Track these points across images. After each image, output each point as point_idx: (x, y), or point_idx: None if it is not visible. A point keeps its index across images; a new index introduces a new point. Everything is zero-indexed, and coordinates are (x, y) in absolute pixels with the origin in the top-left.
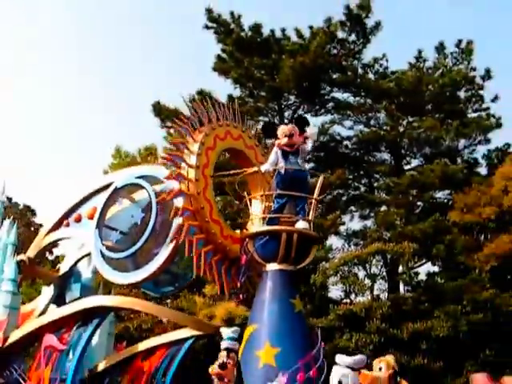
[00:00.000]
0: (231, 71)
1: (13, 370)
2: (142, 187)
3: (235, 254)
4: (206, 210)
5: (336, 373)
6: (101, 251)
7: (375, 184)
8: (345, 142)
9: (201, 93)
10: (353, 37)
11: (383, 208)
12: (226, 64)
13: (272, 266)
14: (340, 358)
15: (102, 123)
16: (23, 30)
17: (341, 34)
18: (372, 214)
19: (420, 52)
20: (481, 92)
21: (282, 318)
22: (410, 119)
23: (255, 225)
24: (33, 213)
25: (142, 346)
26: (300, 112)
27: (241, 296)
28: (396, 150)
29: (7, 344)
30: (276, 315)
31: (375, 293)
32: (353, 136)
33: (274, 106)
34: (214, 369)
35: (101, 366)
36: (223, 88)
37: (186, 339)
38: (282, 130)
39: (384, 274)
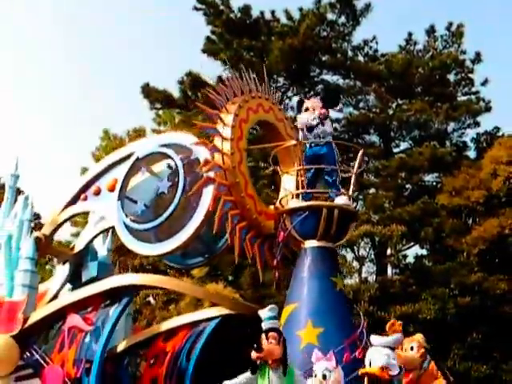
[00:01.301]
0: (220, 53)
1: (33, 352)
2: (167, 156)
3: (269, 230)
4: (241, 184)
5: (379, 353)
6: (125, 223)
7: (364, 166)
8: (334, 125)
9: (190, 74)
10: (342, 19)
11: (372, 190)
12: (216, 46)
13: (311, 243)
14: (378, 339)
15: (90, 107)
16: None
17: (330, 16)
18: (360, 197)
19: (410, 35)
20: (471, 75)
21: (324, 296)
22: (400, 102)
23: (290, 201)
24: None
25: (164, 325)
26: (289, 94)
27: (277, 274)
28: (385, 132)
29: (27, 325)
30: (317, 294)
31: (363, 275)
32: (342, 118)
33: (263, 88)
34: (252, 353)
35: (119, 347)
36: (213, 69)
37: (211, 319)
38: (307, 103)
39: (372, 256)
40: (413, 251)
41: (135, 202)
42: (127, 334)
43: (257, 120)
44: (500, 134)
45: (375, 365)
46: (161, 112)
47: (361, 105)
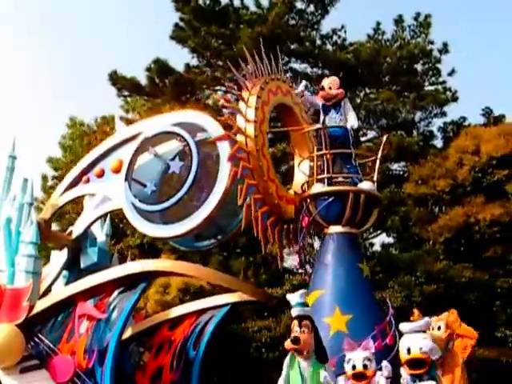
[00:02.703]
0: (189, 40)
1: (39, 341)
2: (178, 135)
3: (290, 215)
4: (264, 168)
5: (416, 339)
6: (134, 205)
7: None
8: None
9: (157, 61)
10: (311, 7)
11: (340, 179)
12: (184, 33)
13: (335, 229)
14: (409, 325)
15: (56, 95)
16: None
17: (299, 5)
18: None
19: (378, 24)
20: (438, 65)
21: (351, 283)
22: (367, 91)
23: (314, 185)
24: None
25: (169, 313)
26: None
27: (298, 260)
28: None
29: (33, 313)
30: (344, 280)
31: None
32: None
33: (232, 76)
34: (288, 344)
35: (122, 336)
36: (181, 57)
37: (219, 306)
38: (322, 82)
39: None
40: (379, 239)
41: (141, 183)
42: (130, 324)
43: (276, 102)
44: (466, 123)
45: (414, 350)
46: (129, 99)
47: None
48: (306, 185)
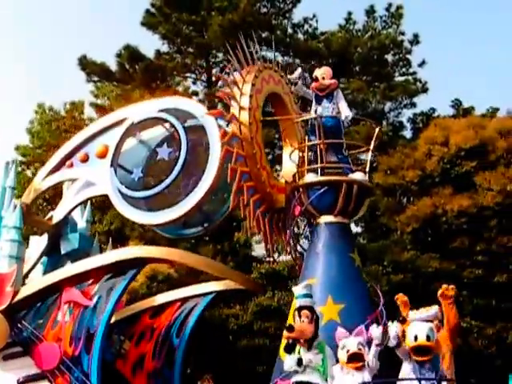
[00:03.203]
0: (159, 26)
1: (23, 328)
2: (166, 121)
3: (280, 204)
4: (257, 155)
5: (423, 327)
6: (120, 191)
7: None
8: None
9: (128, 48)
10: None
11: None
12: (155, 19)
13: (327, 219)
14: (418, 314)
15: (24, 80)
16: None
17: None
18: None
19: (350, 14)
20: (408, 56)
21: (344, 272)
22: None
23: (307, 175)
24: None
25: (151, 301)
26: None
27: (288, 249)
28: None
29: (17, 299)
30: (337, 269)
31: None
32: None
33: (202, 62)
34: (284, 333)
35: None
36: (151, 43)
37: (204, 294)
38: (314, 72)
39: (307, 233)
40: None
41: (126, 169)
42: None
43: (268, 91)
44: (436, 115)
45: (421, 337)
46: (98, 85)
47: (299, 82)
48: (297, 174)
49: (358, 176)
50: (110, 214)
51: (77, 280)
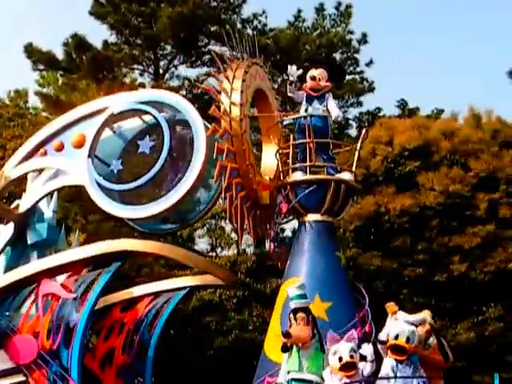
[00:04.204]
0: (108, 16)
1: None
2: (146, 113)
3: (264, 201)
4: (246, 152)
5: (405, 328)
6: (98, 182)
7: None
8: None
9: (75, 36)
10: None
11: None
12: (104, 9)
13: (313, 217)
14: (406, 316)
15: None
16: None
17: None
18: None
19: (299, 11)
20: (356, 55)
21: (330, 271)
22: (285, 77)
23: (294, 173)
24: None
25: (122, 295)
26: (175, 62)
27: (273, 246)
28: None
29: None
30: (324, 268)
31: (241, 247)
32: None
33: (150, 54)
34: (282, 339)
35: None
36: (99, 33)
37: (178, 289)
38: (310, 72)
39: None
40: (291, 225)
41: (102, 161)
42: None
43: (255, 87)
44: (381, 114)
45: (402, 338)
46: (44, 74)
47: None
48: (283, 172)
49: (345, 176)
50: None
51: (56, 272)
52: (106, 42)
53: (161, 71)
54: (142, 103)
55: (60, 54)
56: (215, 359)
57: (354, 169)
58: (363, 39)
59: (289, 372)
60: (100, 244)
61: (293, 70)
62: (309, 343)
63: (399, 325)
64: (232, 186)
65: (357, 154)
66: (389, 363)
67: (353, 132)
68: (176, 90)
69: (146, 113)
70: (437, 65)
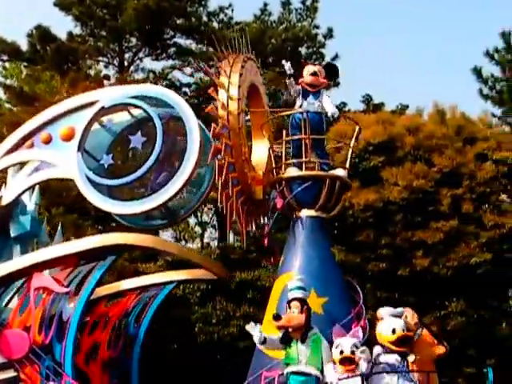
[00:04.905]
0: (73, 8)
1: None
2: (138, 107)
3: (257, 196)
4: (242, 146)
5: (399, 321)
6: (87, 177)
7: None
8: (184, 89)
9: (39, 28)
10: None
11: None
12: (68, 0)
13: (308, 213)
14: (389, 310)
15: None
16: None
17: None
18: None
19: (266, 5)
20: (322, 50)
21: (326, 266)
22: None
23: (289, 169)
24: None
25: (108, 289)
26: (141, 55)
27: (266, 241)
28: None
29: None
30: (319, 263)
31: (205, 240)
32: (192, 83)
33: (115, 47)
34: (274, 323)
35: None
36: (64, 25)
37: (165, 284)
38: (308, 68)
39: (215, 222)
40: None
41: (90, 155)
42: None
43: (250, 82)
44: (346, 109)
45: (400, 330)
46: (7, 65)
47: (212, 71)
48: (276, 168)
49: (340, 172)
50: None
51: (48, 266)
52: (70, 34)
53: (126, 63)
54: (134, 97)
55: (24, 45)
56: (179, 353)
57: (347, 165)
58: (329, 34)
59: (287, 364)
60: (94, 238)
61: (288, 66)
62: (303, 333)
63: (388, 320)
64: (229, 180)
65: (350, 150)
66: (392, 358)
67: None
68: (141, 82)
69: (138, 107)
70: (402, 61)
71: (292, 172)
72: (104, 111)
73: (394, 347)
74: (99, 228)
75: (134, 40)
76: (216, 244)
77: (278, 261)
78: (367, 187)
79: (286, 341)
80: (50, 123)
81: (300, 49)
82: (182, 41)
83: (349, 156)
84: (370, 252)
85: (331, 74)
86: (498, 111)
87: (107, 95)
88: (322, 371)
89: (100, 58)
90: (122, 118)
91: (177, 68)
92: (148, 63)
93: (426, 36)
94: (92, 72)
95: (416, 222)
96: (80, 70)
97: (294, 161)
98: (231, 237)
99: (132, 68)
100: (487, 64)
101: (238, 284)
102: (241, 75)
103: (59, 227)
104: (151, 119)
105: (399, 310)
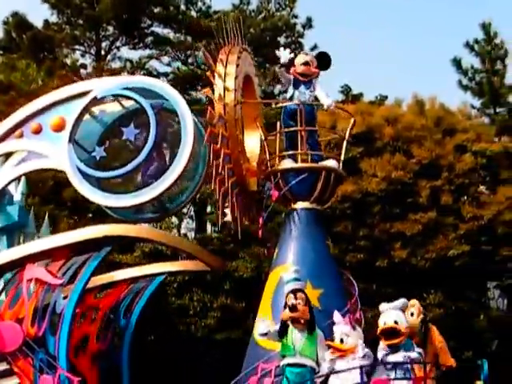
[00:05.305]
0: None
1: None
2: (131, 98)
3: (251, 188)
4: (239, 138)
5: (390, 313)
6: (79, 168)
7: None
8: (161, 78)
9: (15, 15)
10: None
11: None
12: None
13: (303, 205)
14: (387, 305)
15: None
16: None
17: None
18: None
19: None
20: (301, 40)
21: (321, 258)
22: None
23: (284, 161)
24: None
25: (96, 281)
26: (117, 44)
27: (260, 233)
28: (213, 90)
29: None
30: (314, 255)
31: (182, 231)
32: (170, 73)
33: (92, 35)
34: (286, 313)
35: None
36: (40, 13)
37: (155, 275)
38: (300, 57)
39: (192, 213)
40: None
41: (81, 146)
42: None
43: (245, 73)
44: None
45: (388, 322)
46: None
47: (190, 60)
48: (270, 160)
49: (334, 164)
50: None
51: (40, 257)
52: (46, 22)
53: (103, 52)
54: (127, 89)
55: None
56: (157, 344)
57: (342, 157)
58: (308, 24)
59: (284, 356)
60: (87, 229)
61: (285, 54)
62: (305, 324)
63: (385, 314)
64: (224, 170)
65: (345, 142)
66: (380, 353)
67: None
68: (118, 71)
69: (130, 98)
70: (381, 51)
71: (287, 164)
72: (96, 102)
73: (383, 340)
74: (75, 219)
75: (111, 29)
76: (193, 235)
77: (272, 253)
78: (345, 178)
79: (283, 333)
80: (41, 113)
81: (279, 38)
82: (159, 30)
83: (343, 147)
84: (348, 243)
85: (323, 63)
86: (478, 102)
87: (100, 85)
88: (317, 362)
89: (77, 47)
90: (113, 109)
91: (154, 57)
92: (125, 52)
93: (405, 27)
94: (68, 61)
95: (394, 214)
96: (56, 59)
97: (289, 152)
98: (208, 227)
99: (109, 57)
100: (467, 55)
101: (215, 275)
102: (237, 66)
103: (46, 218)
104: (144, 111)
105: (398, 302)
